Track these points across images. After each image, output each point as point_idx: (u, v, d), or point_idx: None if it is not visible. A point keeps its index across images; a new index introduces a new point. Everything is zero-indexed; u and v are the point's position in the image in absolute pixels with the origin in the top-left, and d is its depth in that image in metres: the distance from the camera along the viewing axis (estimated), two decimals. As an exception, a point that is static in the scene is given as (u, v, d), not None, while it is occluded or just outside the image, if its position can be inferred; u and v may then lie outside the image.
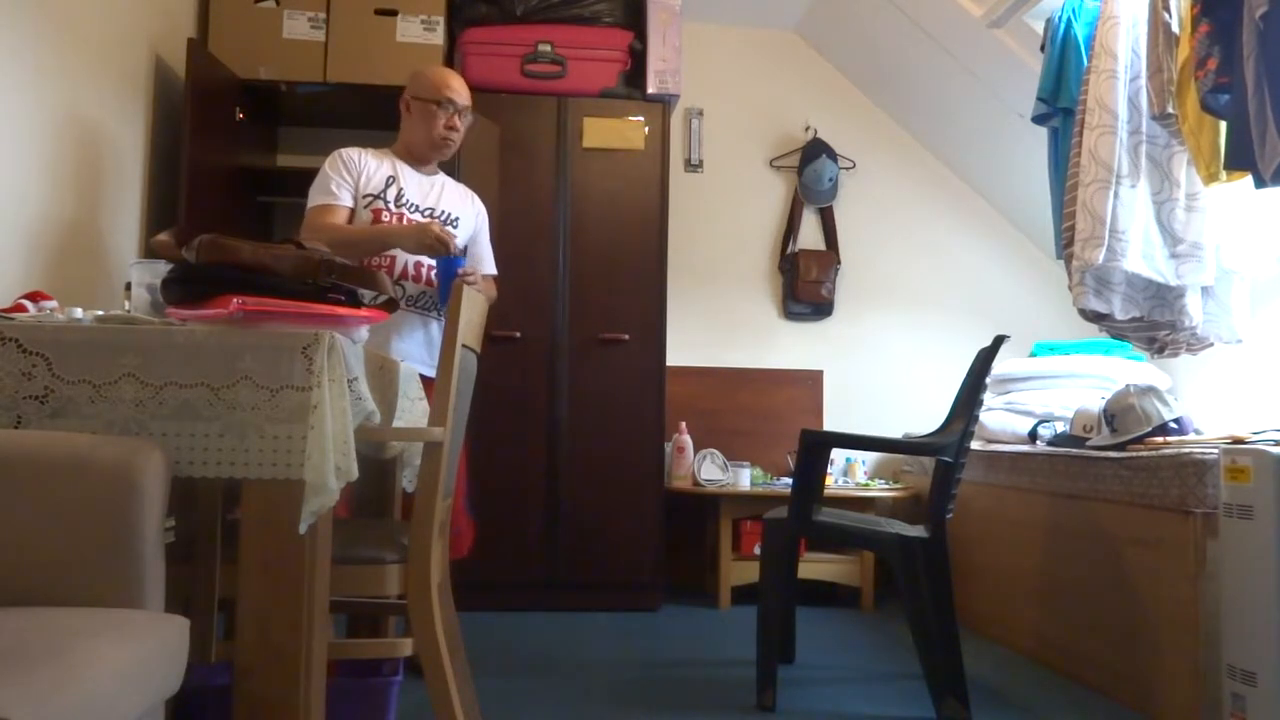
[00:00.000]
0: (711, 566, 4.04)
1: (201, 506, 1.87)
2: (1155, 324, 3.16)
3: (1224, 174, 2.71)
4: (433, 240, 2.59)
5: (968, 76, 4.06)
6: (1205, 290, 3.11)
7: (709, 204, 4.52)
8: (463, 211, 2.89)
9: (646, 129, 3.89)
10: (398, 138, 2.86)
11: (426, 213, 2.79)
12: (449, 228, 2.84)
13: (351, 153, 2.76)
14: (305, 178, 4.15)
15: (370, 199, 2.73)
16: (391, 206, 2.75)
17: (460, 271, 2.61)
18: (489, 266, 2.97)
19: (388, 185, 2.76)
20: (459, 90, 2.80)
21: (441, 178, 2.90)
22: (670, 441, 4.04)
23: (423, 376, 2.47)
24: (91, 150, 2.92)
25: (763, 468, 4.23)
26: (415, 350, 2.72)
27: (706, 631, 3.49)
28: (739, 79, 4.57)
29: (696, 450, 4.08)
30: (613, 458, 3.79)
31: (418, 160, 2.83)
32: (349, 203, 2.71)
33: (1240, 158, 2.39)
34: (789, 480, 3.75)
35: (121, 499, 1.39)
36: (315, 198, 2.72)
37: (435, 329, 2.79)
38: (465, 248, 2.84)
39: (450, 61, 3.87)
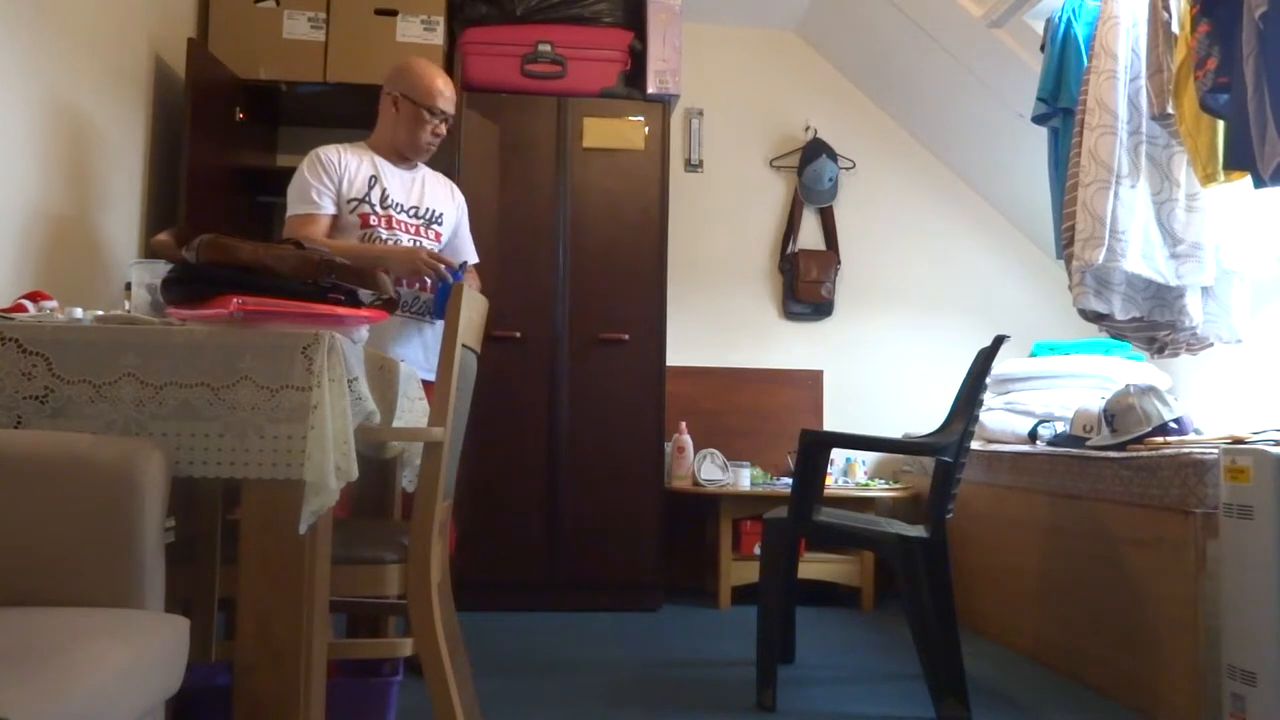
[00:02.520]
0: (711, 566, 4.04)
1: (201, 506, 1.87)
2: (1155, 324, 3.16)
3: (1222, 175, 2.71)
4: (421, 265, 2.58)
5: (968, 76, 4.06)
6: (1205, 290, 3.11)
7: (709, 204, 4.52)
8: (446, 207, 2.88)
9: (646, 129, 3.89)
10: (376, 131, 2.82)
11: (411, 211, 2.77)
12: (435, 226, 2.83)
13: (330, 154, 2.70)
14: (305, 178, 4.12)
15: (355, 203, 2.69)
16: (378, 209, 2.71)
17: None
18: (471, 256, 2.96)
19: (371, 186, 2.71)
20: (449, 98, 2.78)
21: (422, 171, 2.87)
22: (670, 441, 4.04)
23: (423, 381, 2.46)
24: (91, 150, 2.92)
25: (763, 468, 4.23)
26: (413, 355, 2.70)
27: (706, 631, 3.49)
28: (739, 79, 4.57)
29: (696, 450, 4.08)
30: (613, 458, 3.79)
31: (398, 158, 2.81)
32: (331, 210, 2.67)
33: (1240, 158, 2.39)
34: (789, 480, 3.75)
35: (121, 499, 1.39)
36: (296, 205, 2.66)
37: (430, 333, 2.77)
38: (464, 264, 2.81)
39: (450, 61, 3.87)
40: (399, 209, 2.75)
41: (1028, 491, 3.26)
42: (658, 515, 3.80)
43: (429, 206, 2.82)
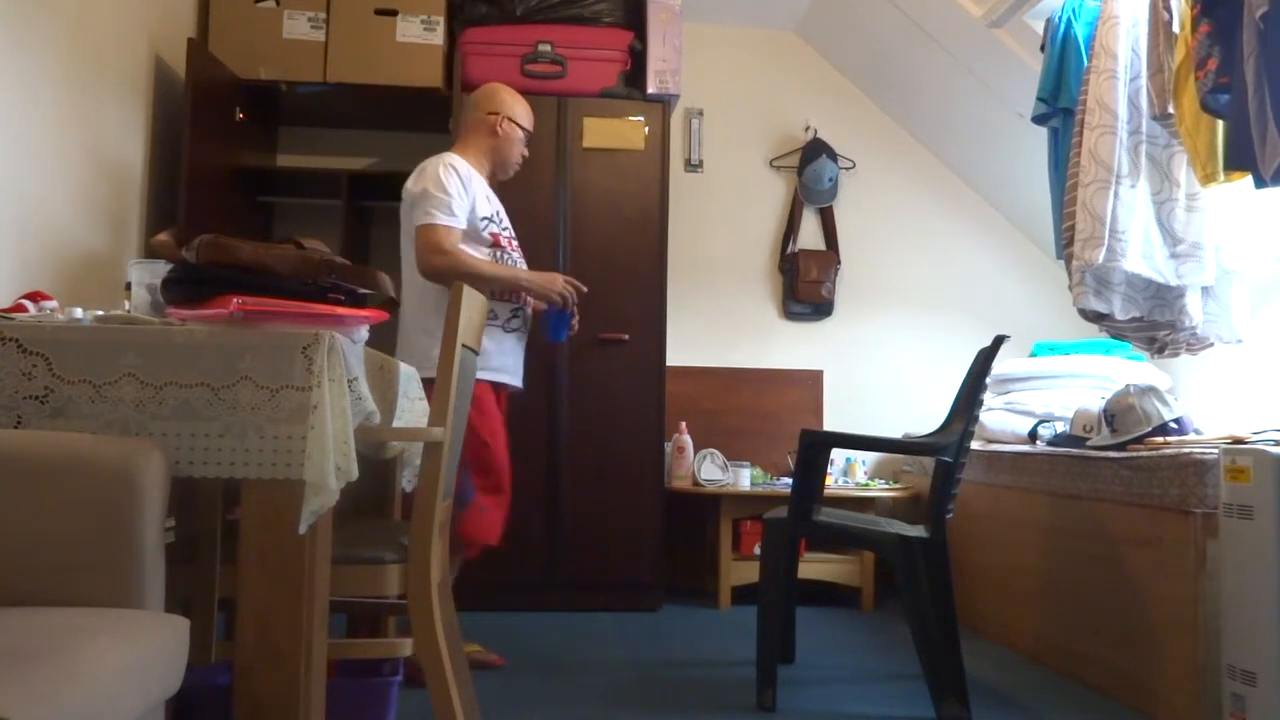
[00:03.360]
0: (711, 566, 4.04)
1: (201, 506, 1.87)
2: (1155, 324, 3.16)
3: (1222, 175, 2.71)
4: (558, 292, 2.77)
5: (968, 76, 4.06)
6: (1205, 290, 3.11)
7: (709, 204, 4.52)
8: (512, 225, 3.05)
9: (646, 129, 3.89)
10: (465, 149, 2.88)
11: (507, 231, 2.90)
12: (517, 243, 2.98)
13: (464, 168, 2.77)
14: (305, 178, 4.16)
15: (487, 221, 2.78)
16: (503, 230, 2.85)
17: (573, 320, 2.82)
18: None
19: (491, 205, 2.85)
20: None
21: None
22: (670, 441, 4.04)
23: (502, 385, 2.77)
24: (91, 149, 2.92)
25: (763, 468, 4.23)
26: (511, 364, 2.86)
27: (706, 631, 3.49)
28: (739, 79, 4.57)
29: (696, 450, 4.08)
30: (613, 458, 3.79)
31: (491, 176, 2.92)
32: (464, 225, 2.73)
33: (1240, 158, 2.39)
34: (789, 480, 3.74)
35: (121, 499, 1.39)
36: (438, 215, 2.66)
37: (523, 347, 2.94)
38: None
39: (450, 61, 3.88)
40: (509, 231, 2.91)
41: (1027, 491, 3.26)
42: (658, 515, 3.80)
43: (512, 227, 2.98)
